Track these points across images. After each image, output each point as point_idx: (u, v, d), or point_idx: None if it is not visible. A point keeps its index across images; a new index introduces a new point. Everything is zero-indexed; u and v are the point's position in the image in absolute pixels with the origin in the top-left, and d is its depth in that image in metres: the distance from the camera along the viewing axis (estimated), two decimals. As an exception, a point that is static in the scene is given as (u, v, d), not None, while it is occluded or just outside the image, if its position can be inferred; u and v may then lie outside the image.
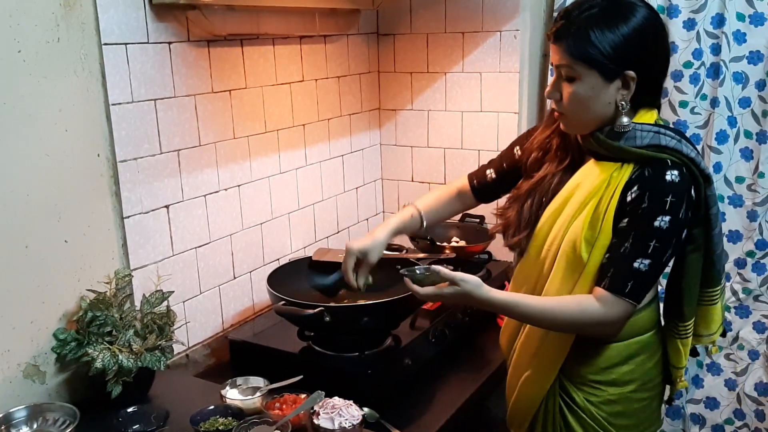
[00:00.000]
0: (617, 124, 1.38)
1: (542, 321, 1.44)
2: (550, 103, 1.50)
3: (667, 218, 1.34)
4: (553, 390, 1.51)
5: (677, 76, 2.16)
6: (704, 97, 2.17)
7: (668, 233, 1.34)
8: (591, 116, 1.41)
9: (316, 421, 1.41)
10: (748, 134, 2.15)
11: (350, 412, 1.43)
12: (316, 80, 2.24)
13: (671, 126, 1.54)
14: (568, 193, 1.46)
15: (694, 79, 2.16)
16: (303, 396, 1.50)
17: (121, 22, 1.58)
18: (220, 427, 1.41)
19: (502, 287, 1.69)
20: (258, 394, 1.53)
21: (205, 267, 1.90)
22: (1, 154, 1.39)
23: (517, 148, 1.69)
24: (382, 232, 1.68)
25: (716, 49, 2.11)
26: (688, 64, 2.15)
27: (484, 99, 2.38)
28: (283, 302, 1.68)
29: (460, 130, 2.45)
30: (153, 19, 1.65)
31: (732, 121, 2.15)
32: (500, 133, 2.36)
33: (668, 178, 1.34)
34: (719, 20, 2.09)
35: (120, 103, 1.60)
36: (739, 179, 2.18)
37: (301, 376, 1.56)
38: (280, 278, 1.84)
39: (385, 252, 1.94)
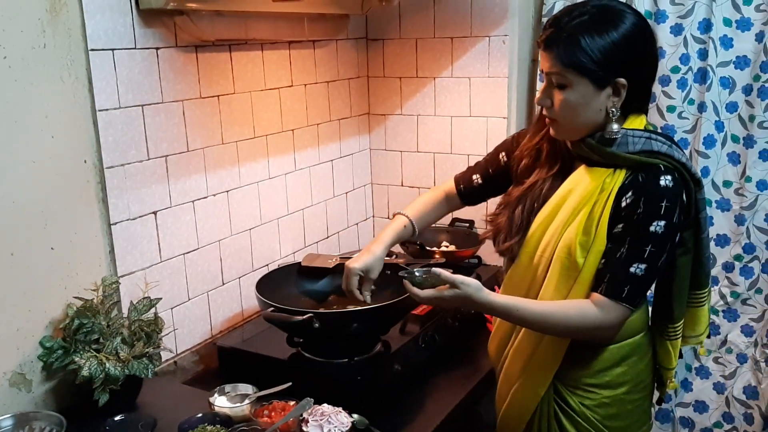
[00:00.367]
0: (607, 131, 1.39)
1: (541, 325, 1.45)
2: (538, 109, 1.51)
3: (663, 223, 1.35)
4: (548, 395, 1.52)
5: (665, 81, 2.17)
6: (692, 102, 2.18)
7: (663, 238, 1.36)
8: (582, 123, 1.41)
9: (305, 429, 1.41)
10: (735, 139, 2.16)
11: (339, 419, 1.43)
12: (305, 85, 2.24)
13: (660, 131, 1.55)
14: (560, 199, 1.47)
15: (682, 84, 2.17)
16: (292, 403, 1.49)
17: (108, 28, 1.57)
18: (208, 435, 1.40)
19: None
20: (247, 401, 1.53)
21: (193, 273, 1.89)
22: (-14, 160, 1.38)
23: (503, 153, 1.70)
24: (379, 248, 1.68)
25: (703, 54, 2.13)
26: (675, 69, 2.16)
27: (473, 104, 2.38)
28: (272, 308, 1.68)
29: (450, 134, 2.45)
30: (140, 25, 1.64)
31: (719, 126, 2.17)
32: (489, 137, 2.37)
33: (662, 183, 1.36)
34: (706, 25, 2.10)
35: (107, 109, 1.60)
36: (727, 183, 2.19)
37: (290, 383, 1.55)
38: (269, 284, 1.83)
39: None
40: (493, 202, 1.86)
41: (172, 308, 1.83)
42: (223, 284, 2.00)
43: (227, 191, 1.98)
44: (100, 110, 1.58)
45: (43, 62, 1.45)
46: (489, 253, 2.34)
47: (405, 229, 1.74)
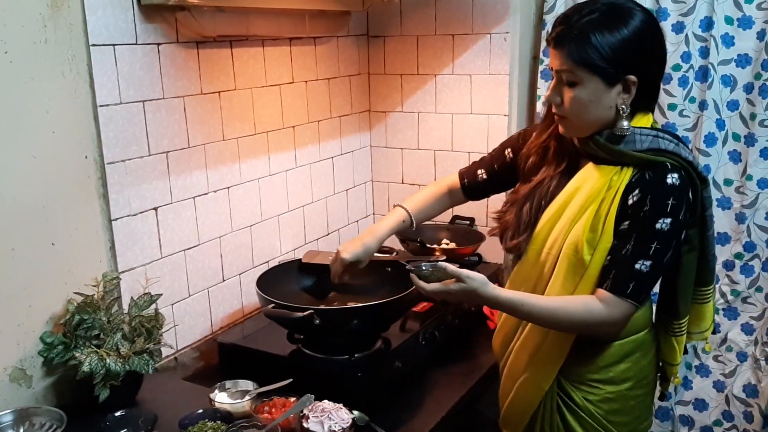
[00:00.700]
0: (617, 128, 1.40)
1: (546, 320, 1.46)
2: (542, 108, 1.51)
3: (669, 220, 1.36)
4: (552, 390, 1.53)
5: (666, 79, 2.17)
6: (693, 100, 2.18)
7: (669, 235, 1.37)
8: (592, 120, 1.42)
9: (305, 425, 1.41)
10: (736, 137, 2.16)
11: (340, 415, 1.43)
12: (306, 82, 2.24)
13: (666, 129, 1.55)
14: (568, 196, 1.48)
15: (683, 81, 2.17)
16: (292, 399, 1.49)
17: (109, 23, 1.57)
18: (208, 431, 1.40)
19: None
20: (247, 397, 1.53)
21: (193, 269, 1.89)
22: (-13, 155, 1.38)
23: (508, 150, 1.71)
24: (372, 242, 1.72)
25: (705, 52, 2.13)
26: (676, 67, 2.16)
27: (474, 101, 2.38)
28: (273, 305, 1.67)
29: (450, 132, 2.45)
30: (141, 20, 1.64)
31: (720, 124, 2.17)
32: (490, 135, 2.37)
33: (669, 181, 1.37)
34: (708, 23, 2.10)
35: (108, 105, 1.59)
36: (728, 182, 2.19)
37: (291, 380, 1.55)
38: (269, 281, 1.83)
39: (376, 254, 1.93)
40: (495, 200, 1.87)
41: (172, 304, 1.83)
42: (224, 280, 2.00)
43: (228, 188, 1.98)
44: (101, 106, 1.58)
45: (44, 57, 1.45)
46: (489, 251, 2.34)
47: (403, 223, 1.76)
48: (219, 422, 1.42)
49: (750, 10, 2.05)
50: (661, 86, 2.14)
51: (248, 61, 1.99)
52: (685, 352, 1.64)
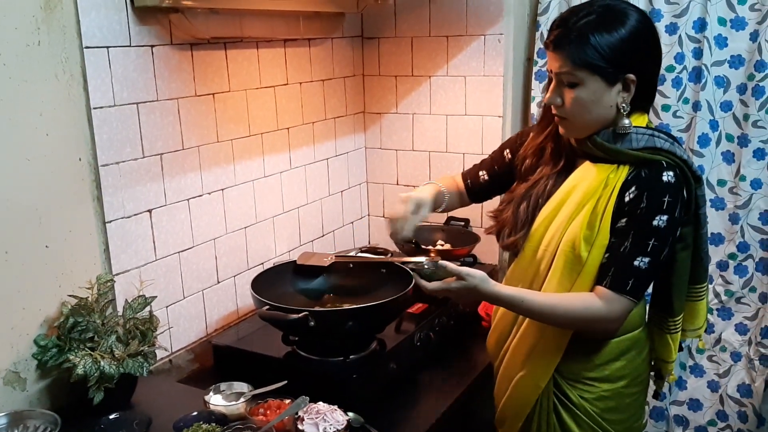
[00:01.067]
0: (619, 126, 1.43)
1: (546, 316, 1.47)
2: (535, 108, 1.52)
3: (665, 217, 1.39)
4: (548, 388, 1.55)
5: (660, 80, 2.17)
6: (686, 101, 2.18)
7: (666, 232, 1.40)
8: (593, 119, 1.45)
9: (300, 427, 1.41)
10: (729, 138, 2.17)
11: (335, 417, 1.43)
12: (301, 83, 2.24)
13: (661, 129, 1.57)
14: (564, 194, 1.50)
15: (677, 82, 2.17)
16: (287, 401, 1.49)
17: (102, 25, 1.56)
18: (203, 434, 1.40)
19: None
20: (242, 399, 1.52)
21: (188, 271, 1.88)
22: (-20, 158, 1.37)
23: (507, 151, 1.73)
24: (426, 192, 1.70)
25: (698, 53, 2.13)
26: (670, 68, 2.17)
27: (469, 102, 2.38)
28: (268, 307, 1.67)
29: (445, 133, 2.45)
30: (135, 22, 1.64)
31: (714, 125, 2.17)
32: (485, 136, 2.37)
33: (665, 178, 1.40)
34: (701, 25, 2.11)
35: (102, 107, 1.59)
36: (721, 182, 2.20)
37: (286, 381, 1.55)
38: (264, 282, 1.83)
39: (370, 255, 1.93)
40: (490, 200, 1.87)
41: (167, 306, 1.83)
42: (219, 282, 2.00)
43: (222, 189, 1.97)
44: (94, 108, 1.57)
45: (37, 60, 1.45)
46: (484, 252, 2.35)
47: (439, 194, 1.75)
48: (214, 424, 1.42)
49: (743, 12, 2.06)
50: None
51: (242, 63, 1.98)
52: (680, 349, 1.67)
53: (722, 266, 2.24)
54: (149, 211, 1.75)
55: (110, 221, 1.64)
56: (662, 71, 2.16)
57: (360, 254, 2.24)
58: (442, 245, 2.34)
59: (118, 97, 1.63)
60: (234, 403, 1.52)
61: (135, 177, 1.70)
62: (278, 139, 2.17)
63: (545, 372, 1.53)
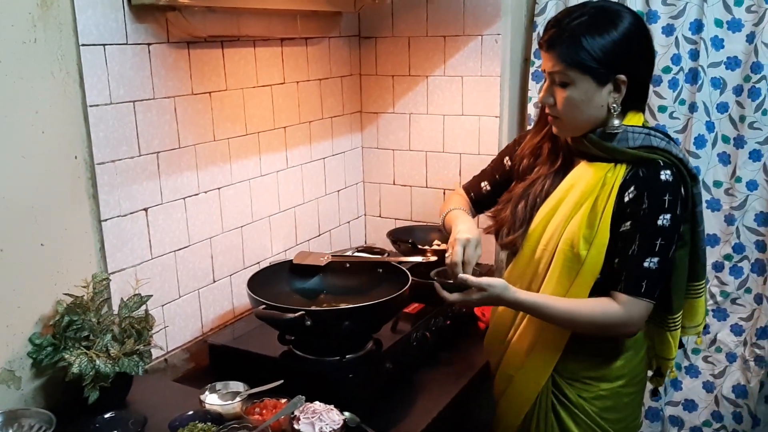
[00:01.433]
0: (609, 126, 1.45)
1: (567, 322, 1.49)
2: (531, 109, 1.52)
3: (668, 216, 1.40)
4: (547, 387, 1.56)
5: (656, 81, 2.18)
6: (683, 102, 2.19)
7: (670, 230, 1.42)
8: (585, 119, 1.46)
9: (296, 426, 1.40)
10: (725, 139, 2.17)
11: (331, 416, 1.42)
12: (298, 83, 2.23)
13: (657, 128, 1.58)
14: (562, 194, 1.51)
15: (673, 84, 2.18)
16: (283, 401, 1.49)
17: (99, 23, 1.56)
18: (198, 433, 1.39)
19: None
20: (238, 399, 1.52)
21: (184, 270, 1.88)
22: (-25, 155, 1.37)
23: (507, 158, 1.75)
24: (474, 231, 1.59)
25: (695, 55, 2.14)
26: (666, 69, 2.17)
27: (466, 102, 2.38)
28: (264, 306, 1.67)
29: (442, 133, 2.45)
30: (132, 20, 1.63)
31: (710, 126, 2.18)
32: (481, 136, 2.37)
33: (663, 177, 1.41)
34: (697, 26, 2.11)
35: (98, 105, 1.58)
36: (717, 183, 2.20)
37: (282, 381, 1.55)
38: (260, 282, 1.83)
39: (366, 255, 1.93)
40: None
41: (162, 305, 1.82)
42: (215, 281, 1.99)
43: (219, 188, 1.97)
44: (91, 106, 1.57)
45: (33, 57, 1.44)
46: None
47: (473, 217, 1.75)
48: (209, 424, 1.42)
49: (739, 13, 2.07)
50: (652, 88, 2.18)
51: (239, 62, 1.98)
52: (681, 346, 1.68)
53: (718, 267, 2.25)
54: (145, 209, 1.75)
55: (106, 219, 1.64)
56: (659, 72, 2.17)
57: (356, 254, 2.23)
58: (438, 245, 2.33)
59: (115, 95, 1.62)
60: (230, 402, 1.51)
61: (131, 175, 1.69)
62: (275, 138, 2.17)
63: (544, 370, 1.54)
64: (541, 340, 1.54)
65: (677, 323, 1.60)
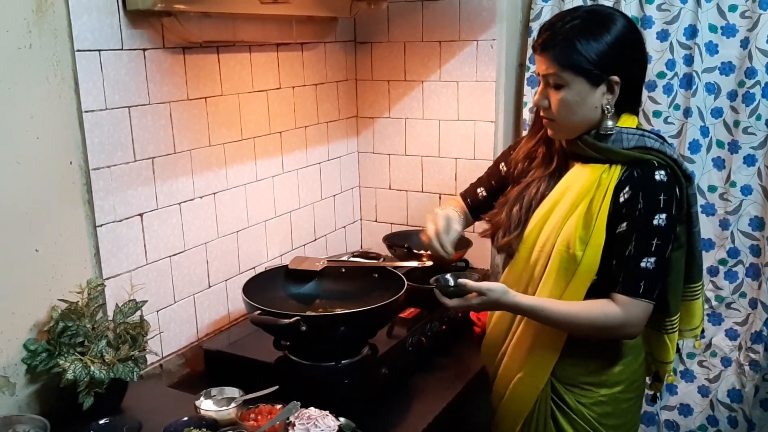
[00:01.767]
0: (603, 127, 1.46)
1: (567, 325, 1.49)
2: (527, 114, 1.53)
3: (664, 215, 1.41)
4: (545, 392, 1.56)
5: (651, 86, 2.19)
6: (677, 107, 2.20)
7: (666, 230, 1.42)
8: (579, 121, 1.48)
9: (291, 432, 1.40)
10: (720, 144, 2.18)
11: (326, 422, 1.42)
12: (293, 88, 2.23)
13: (651, 130, 1.60)
14: (558, 195, 1.52)
15: (668, 89, 2.19)
16: (278, 406, 1.48)
17: (94, 29, 1.56)
18: (194, 439, 1.39)
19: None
20: (233, 404, 1.52)
21: (179, 276, 1.88)
22: (-30, 161, 1.37)
23: (503, 164, 1.76)
24: (445, 210, 1.73)
25: (689, 60, 2.15)
26: (661, 75, 2.18)
27: (461, 108, 2.39)
28: (259, 311, 1.67)
29: (437, 138, 2.46)
30: (127, 26, 1.63)
31: (704, 131, 2.18)
32: (477, 141, 2.37)
33: (657, 177, 1.43)
34: (692, 32, 2.12)
35: (93, 110, 1.58)
36: (712, 188, 2.21)
37: (277, 387, 1.54)
38: (256, 287, 1.82)
39: (362, 260, 1.93)
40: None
41: (157, 311, 1.82)
42: (210, 287, 1.99)
43: (214, 193, 1.97)
44: (86, 111, 1.57)
45: (29, 63, 1.44)
46: (476, 257, 2.35)
47: (462, 212, 1.80)
48: (204, 430, 1.41)
49: (733, 19, 2.07)
50: (647, 93, 2.19)
51: (235, 67, 1.98)
52: (679, 350, 1.67)
53: (713, 272, 2.25)
54: (140, 215, 1.74)
55: (101, 225, 1.64)
56: (653, 77, 2.18)
57: (352, 259, 2.23)
58: (434, 250, 2.33)
59: (110, 100, 1.62)
60: (225, 408, 1.51)
61: (126, 181, 1.69)
62: (270, 143, 2.17)
63: (543, 373, 1.54)
64: (539, 341, 1.54)
65: (674, 326, 1.60)
